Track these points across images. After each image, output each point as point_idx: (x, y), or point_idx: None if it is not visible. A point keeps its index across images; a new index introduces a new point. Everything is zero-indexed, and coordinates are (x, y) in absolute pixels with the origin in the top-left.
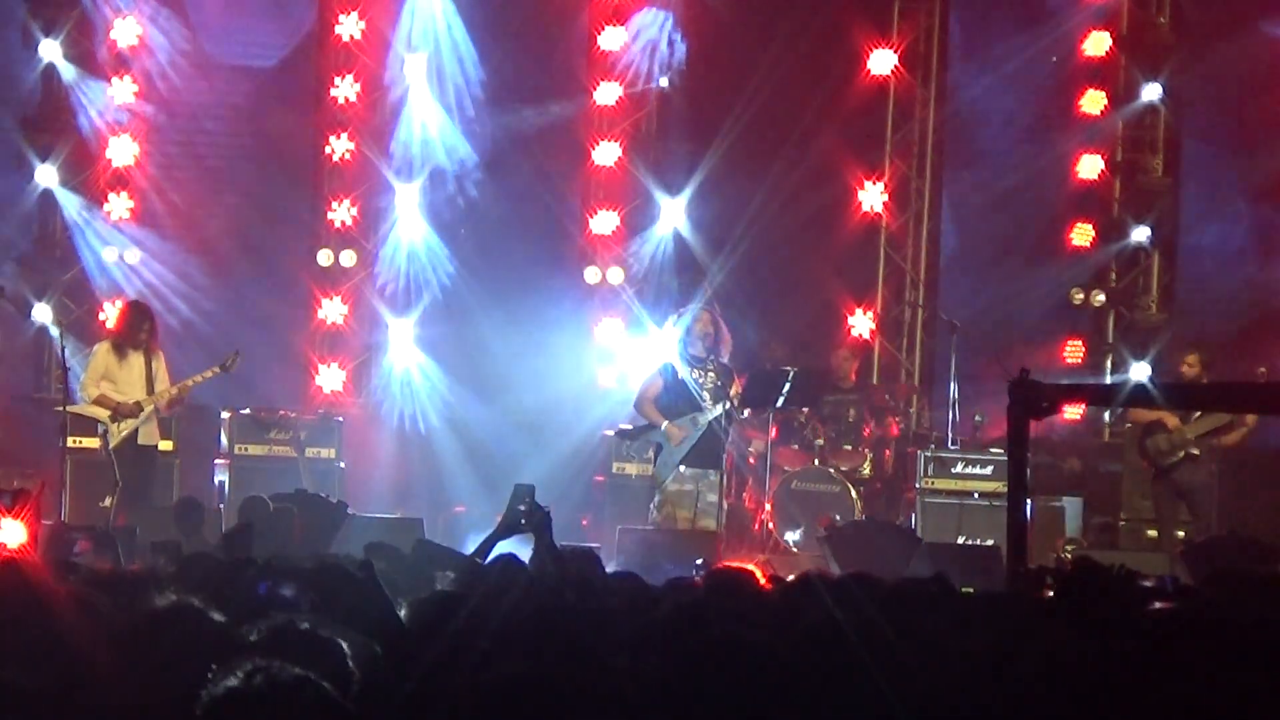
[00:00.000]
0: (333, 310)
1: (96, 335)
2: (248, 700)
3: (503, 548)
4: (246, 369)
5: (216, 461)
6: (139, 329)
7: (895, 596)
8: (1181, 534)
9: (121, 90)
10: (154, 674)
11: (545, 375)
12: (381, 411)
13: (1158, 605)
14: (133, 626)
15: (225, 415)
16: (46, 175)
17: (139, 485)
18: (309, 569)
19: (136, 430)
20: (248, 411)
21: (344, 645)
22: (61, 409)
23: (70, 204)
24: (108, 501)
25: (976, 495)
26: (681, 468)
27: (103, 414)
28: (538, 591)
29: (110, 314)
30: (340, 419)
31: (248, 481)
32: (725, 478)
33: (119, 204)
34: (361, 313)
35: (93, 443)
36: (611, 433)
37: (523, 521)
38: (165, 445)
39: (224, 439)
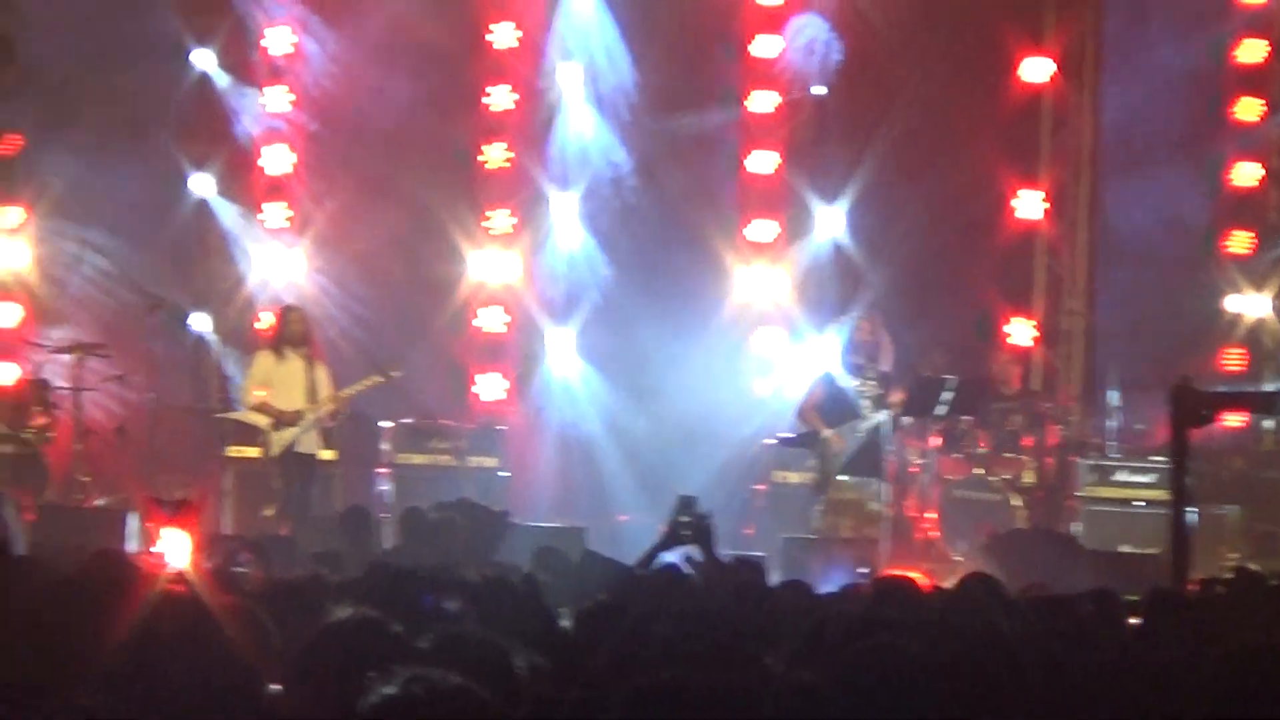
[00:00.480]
0: (492, 319)
1: (255, 344)
2: (405, 707)
3: (667, 559)
4: (405, 378)
5: (378, 471)
6: (294, 328)
7: (1057, 606)
8: None
9: (276, 98)
10: (328, 685)
11: (705, 383)
12: (543, 420)
13: None
14: (303, 637)
15: (387, 425)
16: (203, 184)
17: (299, 494)
18: (473, 581)
19: (296, 439)
20: (409, 421)
21: (512, 655)
22: (221, 417)
23: (227, 213)
24: (269, 511)
25: (1138, 503)
26: (843, 476)
27: (263, 421)
28: (701, 601)
29: (267, 322)
30: (502, 428)
31: (410, 491)
32: (887, 486)
33: (275, 213)
34: (521, 321)
35: (254, 452)
36: (772, 441)
37: (685, 532)
38: (328, 455)
39: (386, 448)
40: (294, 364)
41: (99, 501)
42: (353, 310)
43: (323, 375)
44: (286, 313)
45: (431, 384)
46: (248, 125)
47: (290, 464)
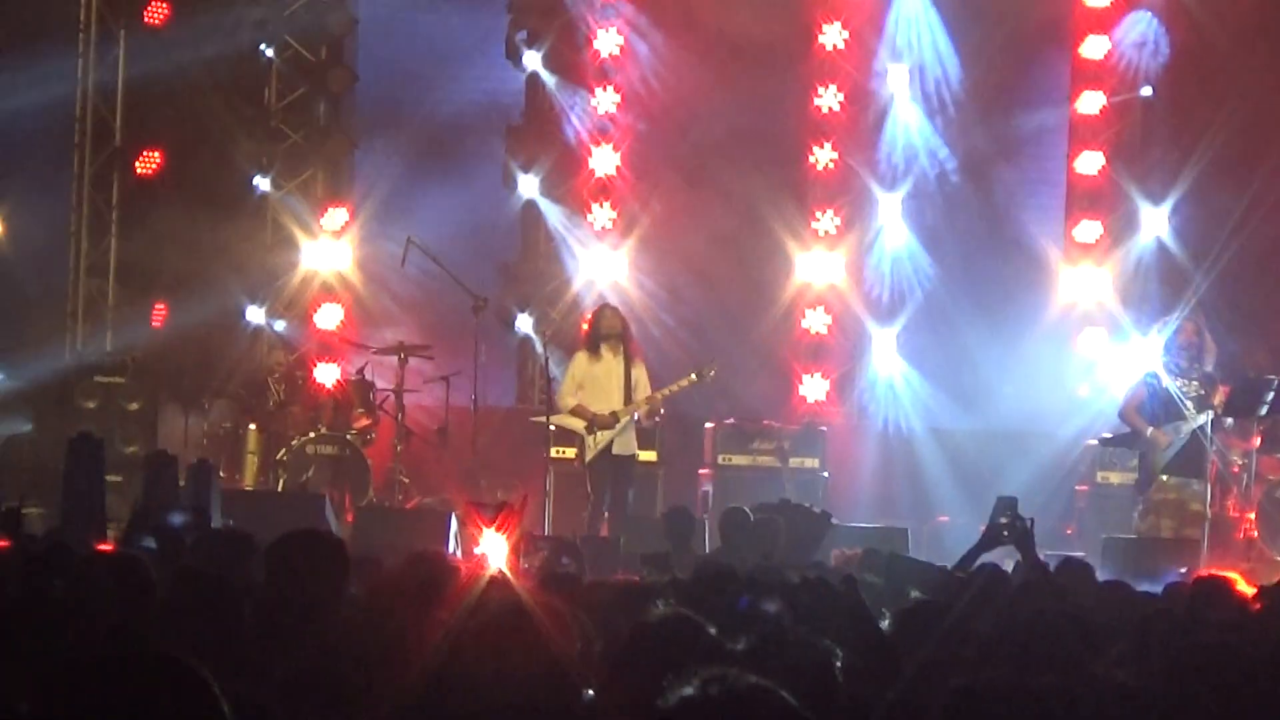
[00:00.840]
0: (816, 320)
1: (579, 345)
2: (703, 709)
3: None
4: (729, 378)
5: (701, 471)
6: (608, 329)
7: None
8: None
9: (604, 100)
10: (641, 687)
11: (1027, 384)
12: (865, 421)
13: None
14: (621, 637)
15: (709, 425)
16: (529, 186)
17: (617, 496)
18: (793, 583)
19: (611, 441)
20: (731, 422)
21: (832, 657)
22: (543, 420)
23: (553, 214)
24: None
25: None
26: (1165, 476)
27: (578, 425)
28: (1022, 601)
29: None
30: (824, 429)
31: (731, 491)
32: (1209, 487)
33: (602, 214)
34: (845, 322)
35: (575, 453)
36: (1094, 441)
37: (1005, 534)
38: (649, 456)
39: (708, 449)
40: (610, 364)
41: (421, 503)
42: (677, 311)
43: (640, 375)
44: (601, 312)
45: (755, 384)
46: (576, 126)
47: (604, 468)
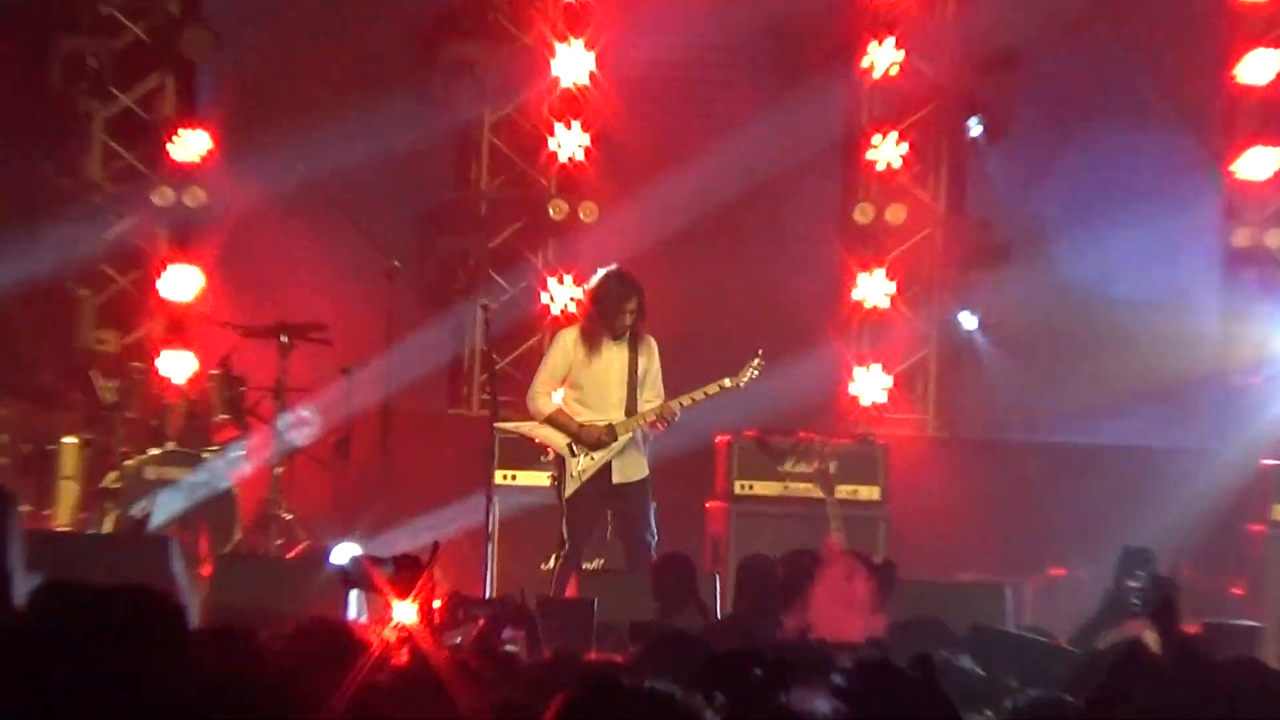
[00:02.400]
0: (873, 288)
1: (533, 331)
2: None
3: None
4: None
5: (709, 505)
6: (620, 310)
7: None
8: None
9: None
10: None
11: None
12: (942, 432)
13: None
14: None
15: (721, 439)
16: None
17: (631, 540)
18: (842, 667)
19: (608, 466)
20: (753, 433)
21: None
22: (500, 428)
23: (501, 139)
24: (551, 563)
25: None
26: None
27: (558, 440)
28: (1170, 694)
29: (555, 293)
30: (885, 444)
31: (753, 533)
32: None
33: (561, 204)
34: (913, 291)
35: (535, 479)
36: (1276, 462)
37: (1135, 600)
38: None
39: (720, 473)
40: (611, 353)
41: (307, 549)
42: (673, 282)
43: (652, 364)
44: (619, 292)
45: (785, 380)
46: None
47: (594, 505)
